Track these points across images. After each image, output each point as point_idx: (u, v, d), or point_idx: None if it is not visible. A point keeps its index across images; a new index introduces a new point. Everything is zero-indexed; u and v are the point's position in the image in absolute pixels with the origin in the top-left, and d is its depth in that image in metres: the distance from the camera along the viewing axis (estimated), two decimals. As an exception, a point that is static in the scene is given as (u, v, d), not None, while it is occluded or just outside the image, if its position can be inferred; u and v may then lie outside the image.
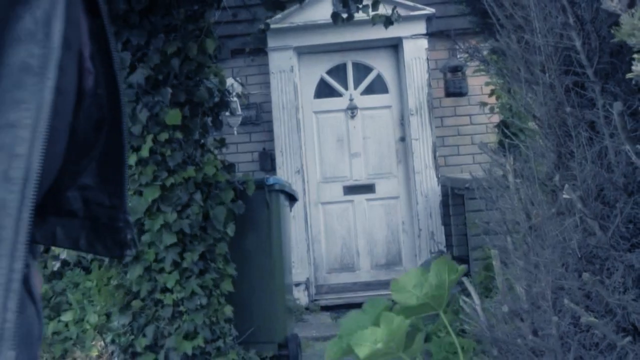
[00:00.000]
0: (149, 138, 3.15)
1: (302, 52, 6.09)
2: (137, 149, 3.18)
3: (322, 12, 5.77)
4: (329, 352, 2.08)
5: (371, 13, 4.29)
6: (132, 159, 3.17)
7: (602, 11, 1.34)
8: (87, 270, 4.52)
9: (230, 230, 3.39)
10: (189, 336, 3.17)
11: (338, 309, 5.48)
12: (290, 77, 5.95)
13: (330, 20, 4.45)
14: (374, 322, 2.02)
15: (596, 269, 1.35)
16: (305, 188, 5.92)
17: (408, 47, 5.92)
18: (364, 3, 4.25)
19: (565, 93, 1.44)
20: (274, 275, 3.74)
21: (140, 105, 3.16)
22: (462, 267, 2.05)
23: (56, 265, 4.41)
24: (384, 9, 4.36)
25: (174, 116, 3.13)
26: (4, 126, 0.48)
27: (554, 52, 1.44)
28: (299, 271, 5.61)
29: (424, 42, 5.93)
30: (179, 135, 3.21)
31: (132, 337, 3.21)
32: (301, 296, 5.61)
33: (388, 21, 4.37)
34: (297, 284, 5.52)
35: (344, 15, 4.27)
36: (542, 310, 1.45)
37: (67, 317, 4.08)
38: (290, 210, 4.29)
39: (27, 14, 0.50)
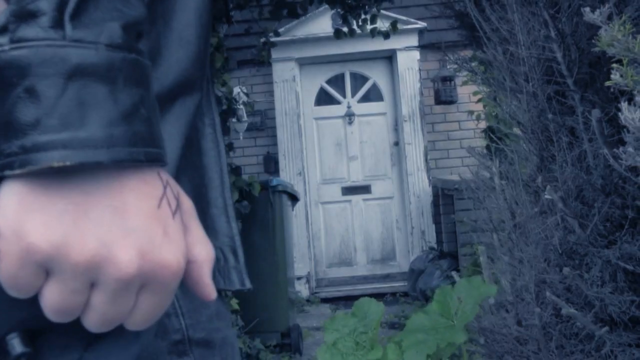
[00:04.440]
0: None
1: (304, 63, 6.09)
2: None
3: (322, 26, 5.77)
4: (322, 358, 1.94)
5: (369, 27, 4.28)
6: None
7: (581, 25, 1.34)
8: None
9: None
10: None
11: (337, 301, 5.48)
12: (293, 86, 5.95)
13: (330, 34, 4.45)
14: (362, 324, 1.92)
15: (576, 264, 1.35)
16: (306, 189, 5.92)
17: (402, 58, 5.92)
18: (362, 17, 4.24)
19: (547, 101, 1.44)
20: (277, 270, 3.74)
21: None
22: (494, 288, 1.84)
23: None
24: (380, 23, 4.36)
25: None
26: None
27: (536, 63, 1.44)
28: (300, 266, 5.60)
29: (416, 54, 5.93)
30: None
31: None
32: (302, 289, 5.61)
33: (386, 35, 4.37)
34: (299, 278, 5.52)
35: (345, 30, 4.27)
36: (526, 302, 1.45)
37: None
38: (293, 210, 4.29)
39: None
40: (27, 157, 0.36)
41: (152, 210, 0.40)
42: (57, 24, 0.37)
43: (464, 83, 5.36)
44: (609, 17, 1.04)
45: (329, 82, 6.15)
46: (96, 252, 0.37)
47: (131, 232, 0.38)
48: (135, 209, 0.39)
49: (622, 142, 1.04)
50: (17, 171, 0.36)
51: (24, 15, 0.37)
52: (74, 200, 0.37)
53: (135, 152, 0.38)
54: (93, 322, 0.39)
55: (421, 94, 5.90)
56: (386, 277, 5.89)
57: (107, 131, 0.37)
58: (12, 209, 0.37)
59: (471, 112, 5.62)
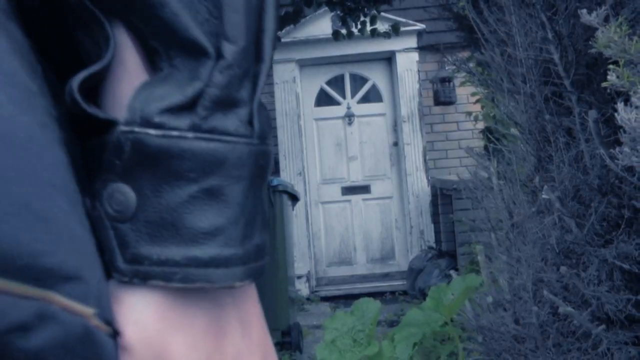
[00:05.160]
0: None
1: (304, 64, 6.09)
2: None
3: (322, 28, 5.77)
4: (320, 355, 1.93)
5: (369, 27, 4.28)
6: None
7: (578, 26, 1.34)
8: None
9: (238, 227, 3.38)
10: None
11: (337, 299, 5.48)
12: (293, 87, 5.95)
13: (330, 35, 4.44)
14: (362, 323, 1.93)
15: (573, 263, 1.35)
16: (306, 189, 5.92)
17: (401, 59, 5.92)
18: (361, 20, 4.24)
19: (545, 102, 1.44)
20: (277, 269, 3.74)
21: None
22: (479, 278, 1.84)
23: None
24: (379, 25, 4.36)
25: None
26: None
27: (534, 64, 1.44)
28: (300, 265, 5.60)
29: (415, 55, 5.93)
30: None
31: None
32: (303, 288, 5.61)
33: (387, 35, 4.38)
34: (299, 277, 5.52)
35: (343, 31, 4.27)
36: (524, 300, 1.44)
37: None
38: (293, 209, 4.29)
39: None
40: (197, 272, 0.29)
41: (261, 320, 0.36)
42: (251, 117, 0.32)
43: (463, 84, 5.36)
44: (606, 19, 1.04)
45: (328, 83, 6.15)
46: None
47: (255, 350, 0.34)
48: (254, 321, 0.35)
49: (619, 143, 1.04)
50: (177, 285, 0.29)
51: (225, 103, 0.30)
52: (213, 315, 0.32)
53: (265, 261, 0.34)
54: None
55: (420, 94, 5.90)
56: (385, 276, 5.89)
57: (260, 242, 0.33)
58: (152, 326, 0.30)
59: (469, 113, 5.62)
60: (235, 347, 0.33)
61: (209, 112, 0.30)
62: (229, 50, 0.30)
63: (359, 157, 6.05)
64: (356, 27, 4.25)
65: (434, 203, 5.73)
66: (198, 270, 0.29)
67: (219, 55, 0.30)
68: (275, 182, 3.76)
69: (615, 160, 1.05)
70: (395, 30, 4.37)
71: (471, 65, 2.09)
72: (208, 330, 0.31)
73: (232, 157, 0.30)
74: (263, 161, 0.32)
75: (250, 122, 0.31)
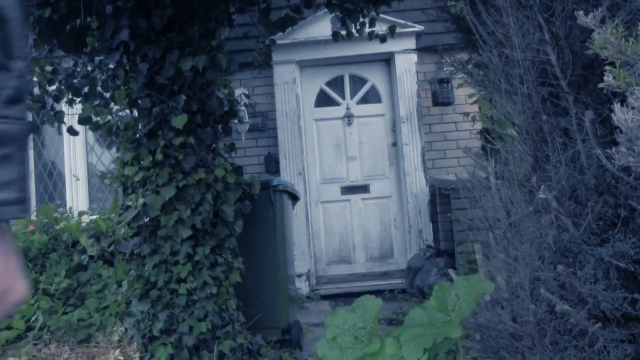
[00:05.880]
0: (163, 143, 3.14)
1: (304, 65, 6.09)
2: (153, 153, 3.17)
3: (322, 30, 5.77)
4: (321, 352, 1.92)
5: (368, 30, 4.28)
6: (147, 162, 3.16)
7: (575, 28, 1.34)
8: (110, 263, 4.51)
9: (239, 227, 3.38)
10: (201, 322, 3.17)
11: (337, 298, 5.48)
12: (293, 88, 5.95)
13: (330, 37, 4.43)
14: (364, 321, 1.91)
15: (570, 262, 1.35)
16: (306, 188, 5.92)
17: (400, 61, 5.92)
18: (361, 21, 4.24)
19: (542, 103, 1.44)
20: (278, 268, 3.74)
21: (156, 109, 3.16)
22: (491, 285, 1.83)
23: (85, 260, 4.40)
24: (378, 26, 4.36)
25: (180, 120, 3.05)
26: None
27: (531, 65, 1.44)
28: (300, 264, 5.60)
29: (414, 57, 5.93)
30: (192, 141, 3.19)
31: (150, 323, 3.20)
32: (303, 286, 5.60)
33: (384, 39, 4.37)
34: (299, 276, 5.52)
35: (343, 33, 4.27)
36: (521, 299, 1.44)
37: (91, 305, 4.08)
38: (293, 209, 4.29)
39: None
40: (6, 209, 0.46)
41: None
42: (26, 108, 0.47)
43: (461, 85, 5.36)
44: (603, 21, 1.04)
45: (328, 84, 6.15)
46: (10, 282, 0.49)
47: (17, 267, 0.51)
48: (10, 248, 0.51)
49: (615, 143, 1.04)
50: None
51: (15, 99, 0.46)
52: (3, 244, 0.49)
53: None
54: None
55: (419, 95, 5.90)
56: (384, 275, 5.88)
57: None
58: None
59: (467, 114, 5.62)
60: (11, 264, 0.49)
61: (6, 105, 0.46)
62: (20, 66, 0.46)
63: (359, 157, 6.05)
64: (356, 28, 4.25)
65: (432, 203, 5.72)
66: (6, 208, 0.46)
67: (10, 68, 0.46)
68: (275, 182, 3.76)
69: (612, 161, 1.05)
70: (391, 33, 4.37)
71: (469, 66, 2.09)
72: (2, 253, 0.48)
73: (19, 134, 0.46)
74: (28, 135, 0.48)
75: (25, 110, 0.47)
